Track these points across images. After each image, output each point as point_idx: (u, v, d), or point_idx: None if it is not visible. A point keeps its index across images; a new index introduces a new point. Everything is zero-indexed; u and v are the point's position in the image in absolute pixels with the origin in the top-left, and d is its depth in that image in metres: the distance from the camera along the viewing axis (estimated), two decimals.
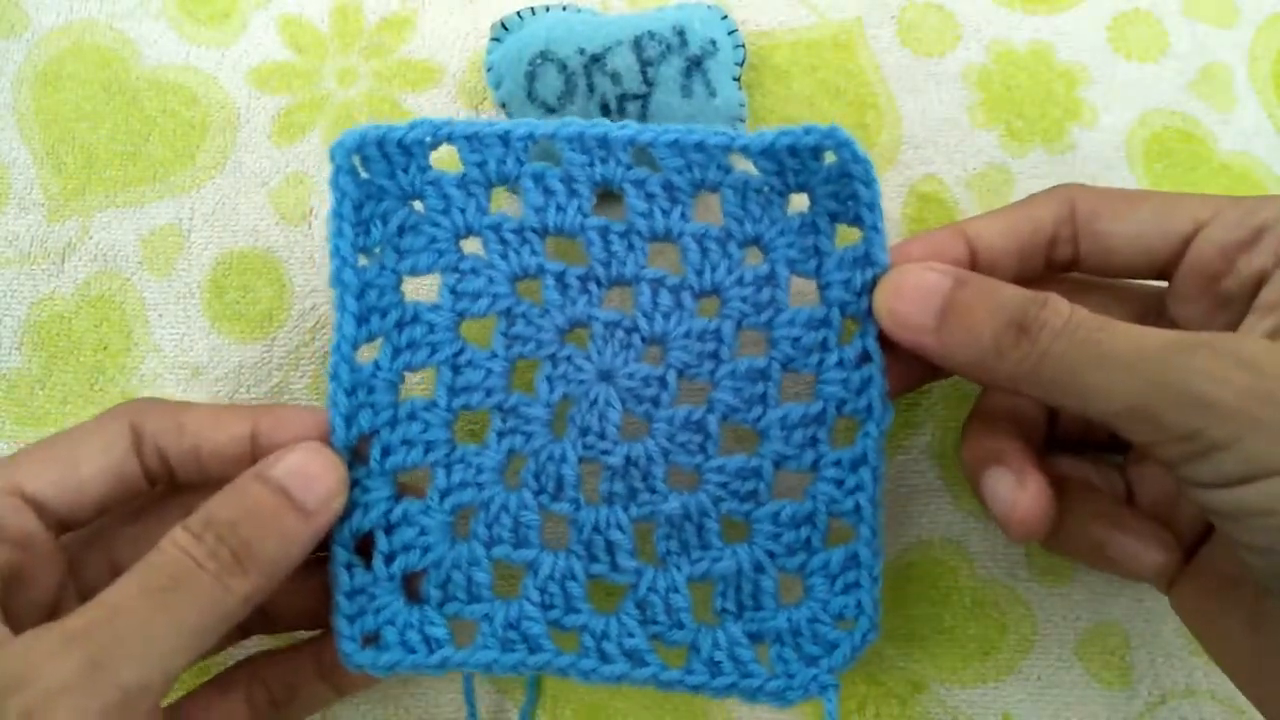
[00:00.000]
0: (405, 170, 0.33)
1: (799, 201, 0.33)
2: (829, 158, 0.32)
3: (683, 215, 0.33)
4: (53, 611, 0.29)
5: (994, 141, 0.40)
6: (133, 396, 0.40)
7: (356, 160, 0.32)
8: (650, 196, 0.33)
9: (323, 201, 0.41)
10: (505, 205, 0.37)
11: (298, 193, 0.41)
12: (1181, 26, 0.41)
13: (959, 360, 0.30)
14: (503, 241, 0.33)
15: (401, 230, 0.33)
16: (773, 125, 0.40)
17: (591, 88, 0.38)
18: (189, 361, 0.40)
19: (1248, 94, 0.41)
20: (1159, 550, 0.32)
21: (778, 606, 0.33)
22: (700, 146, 0.33)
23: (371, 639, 0.32)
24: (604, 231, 0.33)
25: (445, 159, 0.33)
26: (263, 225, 0.41)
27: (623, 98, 0.38)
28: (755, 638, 0.33)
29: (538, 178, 0.33)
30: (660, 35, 0.38)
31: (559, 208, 0.33)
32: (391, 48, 0.42)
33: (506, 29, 0.40)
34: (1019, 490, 0.30)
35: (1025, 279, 0.31)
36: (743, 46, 0.39)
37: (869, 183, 0.32)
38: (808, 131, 0.32)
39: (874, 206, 0.32)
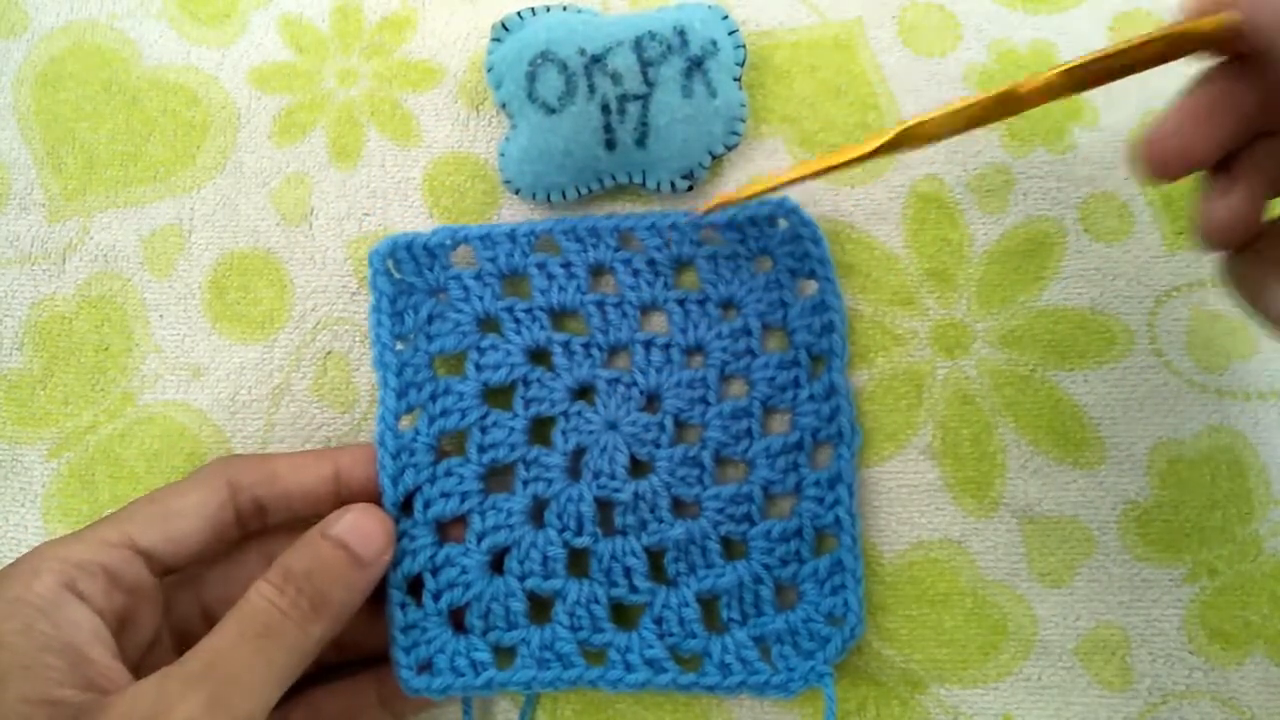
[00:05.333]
0: (430, 269, 0.39)
1: (763, 263, 0.39)
2: (782, 223, 0.38)
3: (665, 285, 0.39)
4: (151, 647, 0.33)
5: (995, 141, 0.40)
6: (134, 397, 0.40)
7: (390, 264, 0.38)
8: (636, 272, 0.38)
9: (323, 201, 0.41)
10: (516, 290, 0.39)
11: (298, 193, 0.41)
12: None
13: None
14: (516, 321, 0.38)
15: (430, 318, 0.38)
16: (774, 125, 0.41)
17: (592, 88, 0.38)
18: (190, 362, 0.40)
19: None
20: None
21: (776, 611, 0.37)
22: (674, 226, 0.38)
23: (425, 666, 0.36)
24: (600, 304, 0.38)
25: (463, 257, 0.39)
26: (263, 225, 0.41)
27: (623, 98, 0.38)
28: (758, 640, 0.37)
29: (541, 265, 0.38)
30: (661, 35, 0.38)
31: (561, 288, 0.38)
32: (392, 48, 0.42)
33: (507, 29, 0.40)
34: (1218, 198, 0.29)
35: None
36: (743, 47, 0.39)
37: (817, 241, 0.38)
38: (762, 204, 0.38)
39: (825, 261, 0.38)
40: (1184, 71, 0.41)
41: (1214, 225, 0.29)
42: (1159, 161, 0.29)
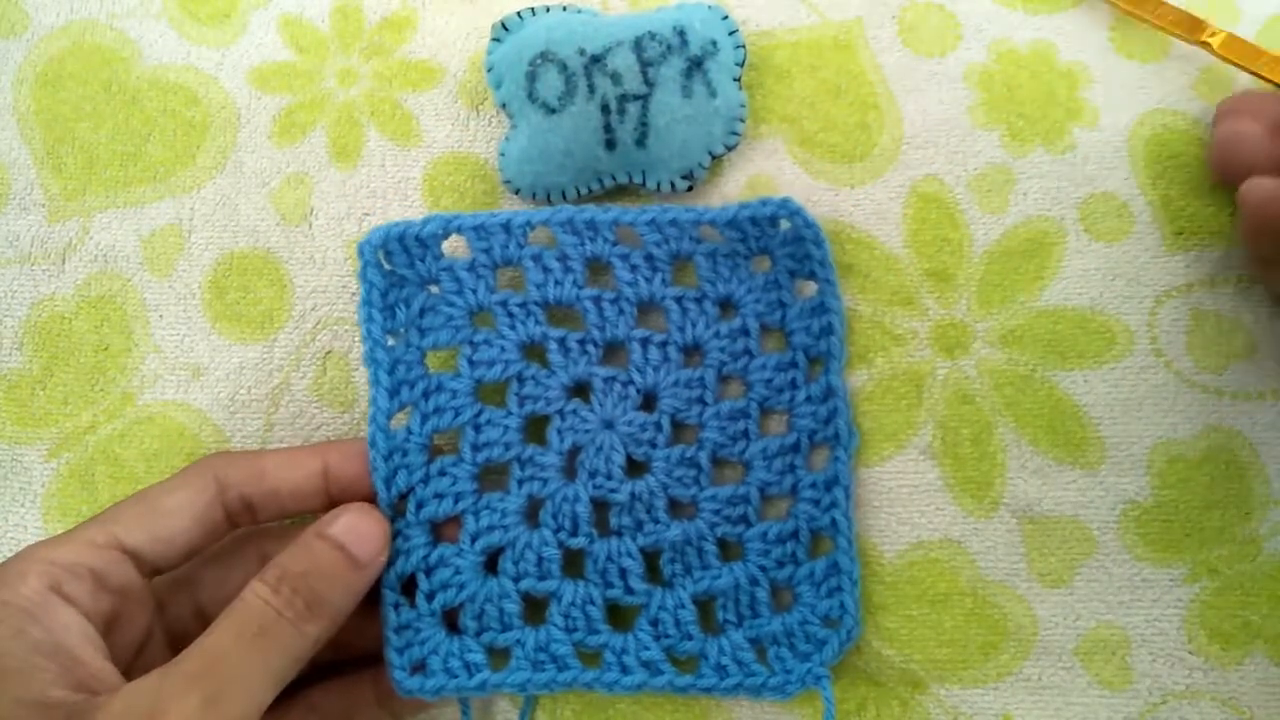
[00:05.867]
0: (422, 260, 0.37)
1: (762, 263, 0.38)
2: (784, 224, 0.37)
3: (663, 281, 0.38)
4: (142, 648, 0.33)
5: (995, 142, 0.40)
6: (133, 397, 0.40)
7: (381, 255, 0.37)
8: (634, 268, 0.38)
9: (323, 201, 0.41)
10: (510, 283, 0.39)
11: (298, 193, 0.41)
12: None
13: None
14: (510, 315, 0.38)
15: (422, 312, 0.38)
16: (774, 125, 0.41)
17: (592, 88, 0.38)
18: (190, 362, 0.40)
19: None
20: None
21: (772, 613, 0.37)
22: (674, 222, 0.37)
23: (419, 667, 0.36)
24: (597, 300, 0.38)
25: (455, 247, 0.38)
26: (263, 225, 0.41)
27: (623, 98, 0.38)
28: (755, 642, 0.37)
29: (536, 258, 0.38)
30: (661, 35, 0.38)
31: (557, 282, 0.38)
32: (392, 48, 0.42)
33: (507, 29, 0.40)
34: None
35: None
36: (743, 47, 0.39)
37: (819, 243, 0.37)
38: (764, 203, 0.37)
39: (825, 263, 0.37)
40: (1178, 85, 0.41)
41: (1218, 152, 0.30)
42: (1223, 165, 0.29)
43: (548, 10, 0.40)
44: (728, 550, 0.37)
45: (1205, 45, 0.38)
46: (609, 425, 0.37)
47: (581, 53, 0.38)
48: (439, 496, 0.37)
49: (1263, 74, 0.37)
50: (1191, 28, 0.39)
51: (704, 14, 0.39)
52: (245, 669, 0.30)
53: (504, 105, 0.39)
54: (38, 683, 0.29)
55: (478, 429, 0.37)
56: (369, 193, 0.41)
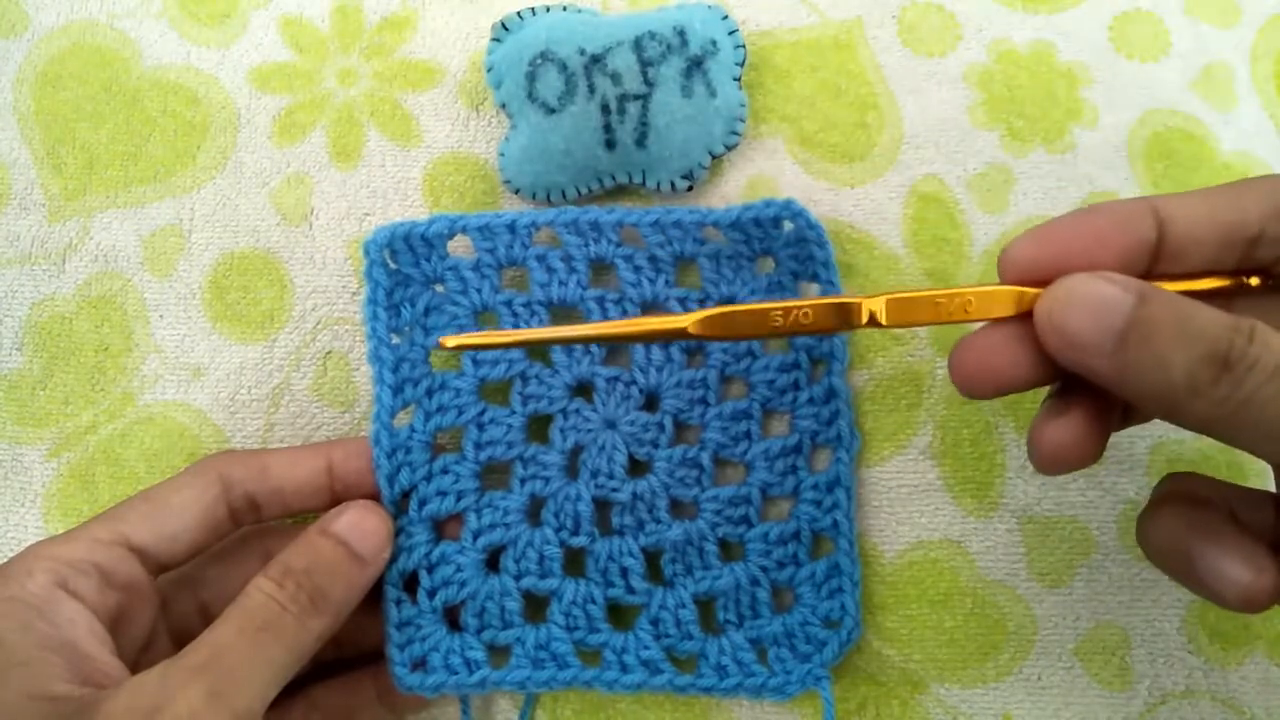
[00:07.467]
0: (428, 259, 0.38)
1: (765, 264, 0.39)
2: (787, 225, 0.37)
3: (666, 282, 0.38)
4: (147, 645, 0.33)
5: (995, 141, 0.40)
6: (134, 397, 0.40)
7: (386, 254, 0.37)
8: (638, 268, 0.38)
9: (323, 201, 0.41)
10: (514, 283, 0.39)
11: (298, 193, 0.41)
12: (1183, 26, 0.41)
13: (1140, 392, 0.26)
14: (514, 315, 0.38)
15: (427, 310, 0.38)
16: (774, 125, 0.41)
17: (592, 88, 0.38)
18: (190, 362, 0.40)
19: (1249, 94, 0.41)
20: (1250, 570, 0.27)
21: (772, 614, 0.37)
22: (677, 224, 0.37)
23: (419, 664, 0.36)
24: (600, 300, 0.38)
25: (460, 246, 0.39)
26: (263, 225, 0.41)
27: (623, 98, 0.38)
28: (755, 642, 0.37)
29: (541, 258, 0.38)
30: (661, 35, 0.38)
31: (560, 283, 0.38)
32: (392, 48, 0.42)
33: (507, 29, 0.40)
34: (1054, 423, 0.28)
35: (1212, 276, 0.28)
36: (743, 46, 0.39)
37: (822, 244, 0.37)
38: (768, 205, 0.37)
39: (829, 264, 0.37)
40: (1178, 85, 0.41)
41: (1041, 450, 0.28)
42: (965, 378, 0.28)
43: (548, 10, 0.40)
44: (729, 550, 0.38)
45: (871, 323, 0.29)
46: (611, 425, 0.37)
47: (581, 52, 0.38)
48: (441, 494, 0.37)
49: (941, 319, 0.29)
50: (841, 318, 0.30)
51: (704, 14, 0.39)
52: (249, 663, 0.30)
53: (504, 105, 0.39)
54: (44, 677, 0.29)
55: (481, 427, 0.37)
56: (369, 193, 0.41)
